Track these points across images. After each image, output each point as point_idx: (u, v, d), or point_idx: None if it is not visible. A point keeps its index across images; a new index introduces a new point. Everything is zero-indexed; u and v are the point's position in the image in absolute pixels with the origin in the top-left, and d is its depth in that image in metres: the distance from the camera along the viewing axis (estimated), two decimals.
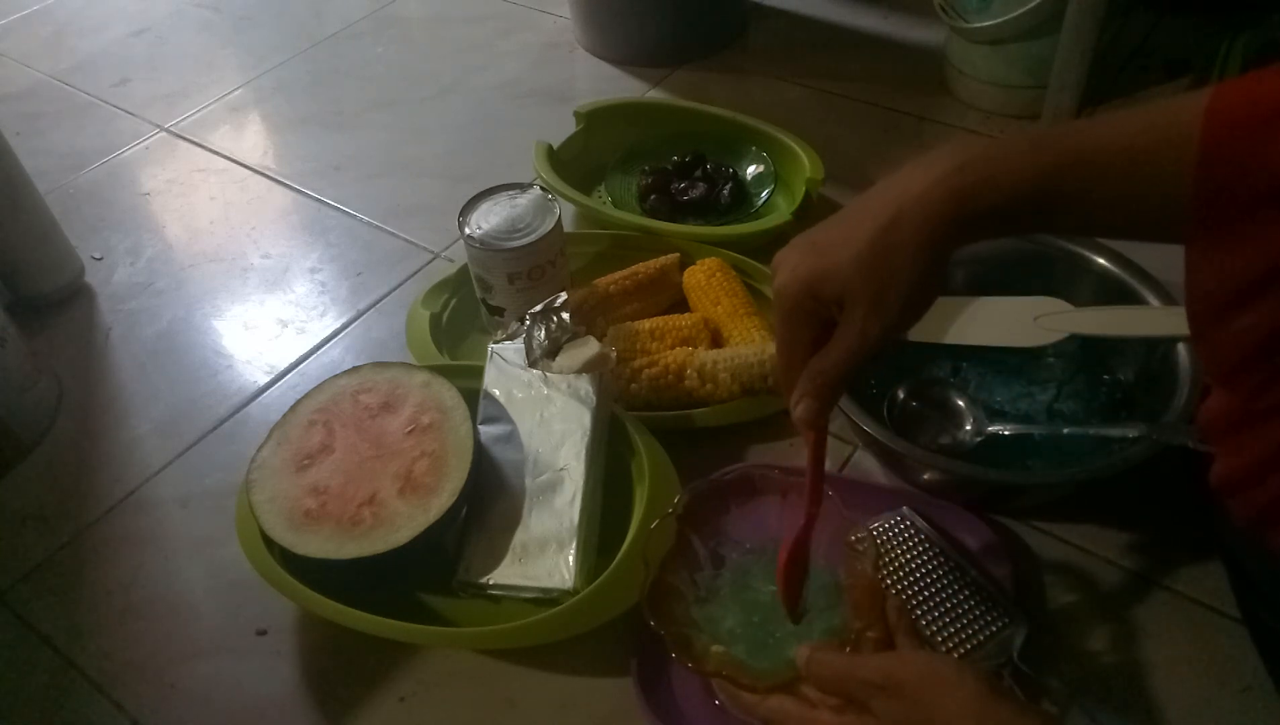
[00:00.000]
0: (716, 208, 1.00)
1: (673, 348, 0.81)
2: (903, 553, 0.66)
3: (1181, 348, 0.69)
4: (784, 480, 0.61)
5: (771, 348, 0.78)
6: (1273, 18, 1.03)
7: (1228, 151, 0.38)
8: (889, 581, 0.64)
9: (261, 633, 0.69)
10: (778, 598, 0.56)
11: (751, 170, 1.04)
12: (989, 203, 0.45)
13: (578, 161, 1.05)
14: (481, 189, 0.85)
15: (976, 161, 0.45)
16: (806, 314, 0.49)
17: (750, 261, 0.91)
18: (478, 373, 0.75)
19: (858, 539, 0.58)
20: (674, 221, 0.97)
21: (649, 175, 1.02)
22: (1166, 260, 0.92)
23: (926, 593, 0.64)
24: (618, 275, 0.88)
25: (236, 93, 1.32)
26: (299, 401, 0.73)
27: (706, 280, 0.87)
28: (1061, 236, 0.77)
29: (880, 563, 0.63)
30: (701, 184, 1.00)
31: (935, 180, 0.46)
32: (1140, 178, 0.41)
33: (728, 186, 1.00)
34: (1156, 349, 0.72)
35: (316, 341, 0.93)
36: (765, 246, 0.94)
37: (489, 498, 0.70)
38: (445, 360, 0.84)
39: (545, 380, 0.73)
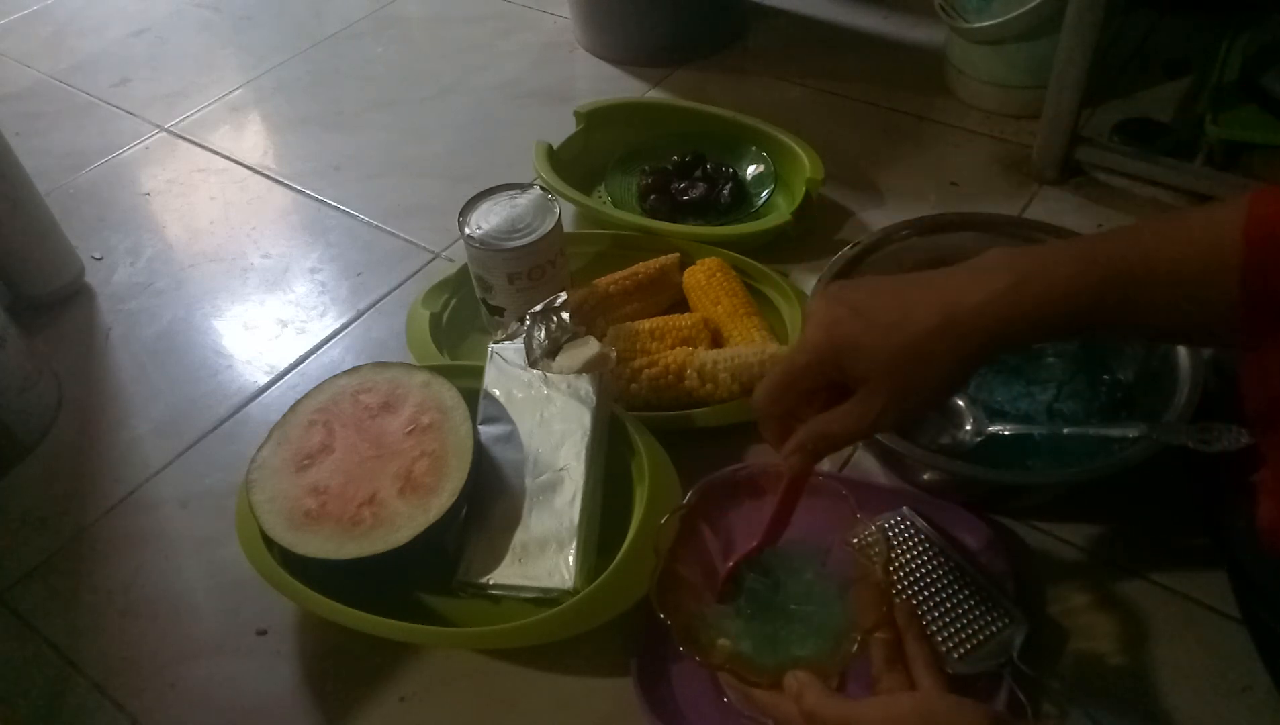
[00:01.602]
0: (716, 208, 1.00)
1: (673, 348, 0.81)
2: (903, 553, 0.66)
3: (1181, 348, 0.69)
4: None
5: (772, 347, 0.78)
6: (1273, 18, 1.03)
7: (1271, 262, 0.39)
8: (891, 580, 0.64)
9: (261, 633, 0.69)
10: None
11: (751, 170, 1.04)
12: (1037, 321, 0.45)
13: (578, 161, 1.05)
14: (481, 189, 0.85)
15: (1031, 280, 0.45)
16: (825, 371, 0.49)
17: (750, 261, 0.91)
18: (478, 373, 0.75)
19: (864, 539, 0.58)
20: (674, 221, 0.97)
21: (649, 175, 1.02)
22: None
23: (926, 593, 0.64)
24: (618, 275, 0.88)
25: (236, 93, 1.32)
26: (299, 401, 0.73)
27: (706, 280, 0.87)
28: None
29: (889, 564, 0.63)
30: (701, 184, 1.00)
31: (989, 297, 0.45)
32: (1186, 292, 0.42)
33: (728, 186, 1.00)
34: (1156, 349, 0.72)
35: (316, 341, 0.93)
36: (765, 246, 0.94)
37: (489, 498, 0.70)
38: (445, 360, 0.84)
39: (545, 380, 0.73)
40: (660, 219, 0.97)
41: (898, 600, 0.55)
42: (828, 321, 0.49)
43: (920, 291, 0.47)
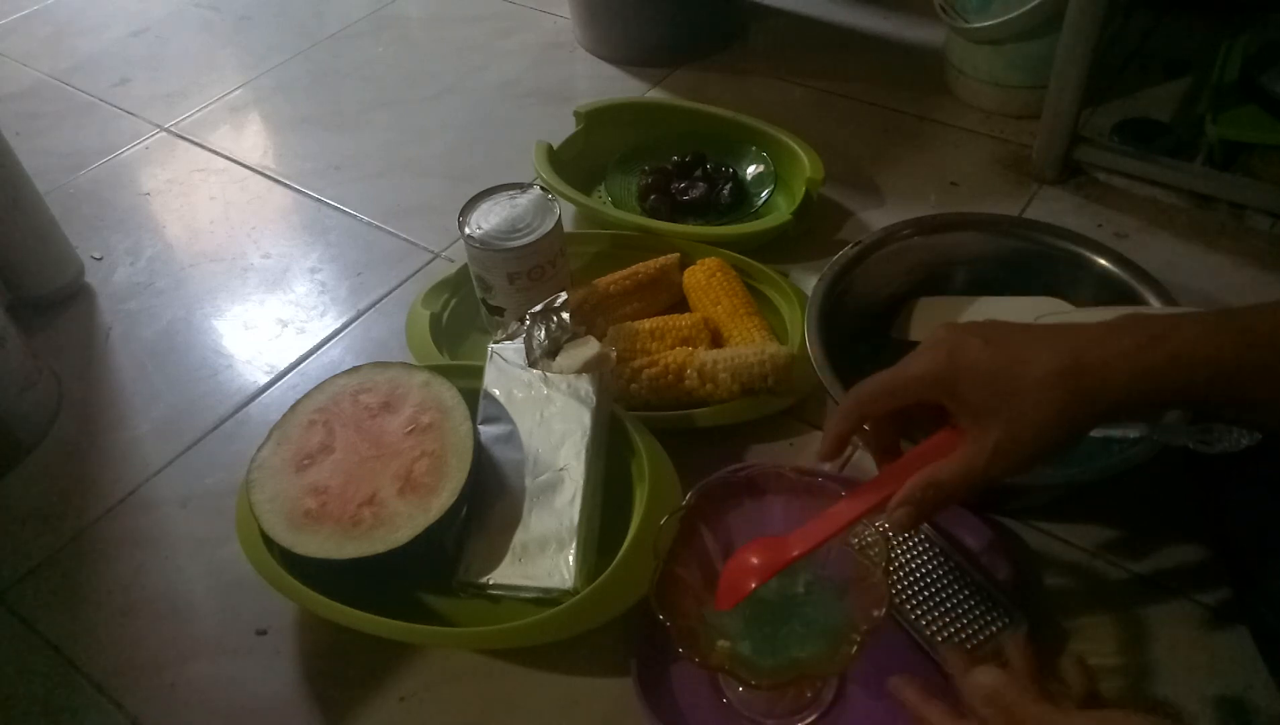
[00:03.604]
0: (716, 208, 1.00)
1: (673, 348, 0.81)
2: (903, 553, 0.66)
3: None
4: (796, 480, 0.61)
5: (772, 347, 0.78)
6: (1273, 18, 1.03)
7: None
8: (891, 581, 0.64)
9: (261, 633, 0.69)
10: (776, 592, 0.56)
11: (751, 170, 1.04)
12: (1168, 380, 0.43)
13: (578, 161, 1.05)
14: (481, 189, 0.85)
15: (1167, 339, 0.44)
16: (936, 391, 0.48)
17: (750, 261, 0.91)
18: (478, 373, 0.75)
19: (864, 539, 0.58)
20: (674, 221, 0.97)
21: (649, 175, 1.02)
22: (1167, 261, 0.93)
23: (926, 593, 0.64)
24: (618, 275, 0.88)
25: (236, 93, 1.32)
26: (299, 401, 0.73)
27: (706, 280, 0.87)
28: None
29: (889, 564, 0.63)
30: (701, 184, 1.00)
31: (1121, 351, 0.44)
32: None
33: (728, 186, 1.00)
34: None
35: (316, 341, 0.93)
36: (765, 246, 0.94)
37: (489, 498, 0.70)
38: (445, 360, 0.84)
39: (545, 380, 0.73)
40: (660, 219, 0.97)
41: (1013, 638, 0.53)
42: (953, 344, 0.48)
43: (1051, 335, 0.46)
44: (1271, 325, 0.42)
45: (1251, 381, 0.42)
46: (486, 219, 0.82)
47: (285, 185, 1.14)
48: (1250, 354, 0.42)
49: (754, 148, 1.05)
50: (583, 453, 0.69)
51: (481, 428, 0.72)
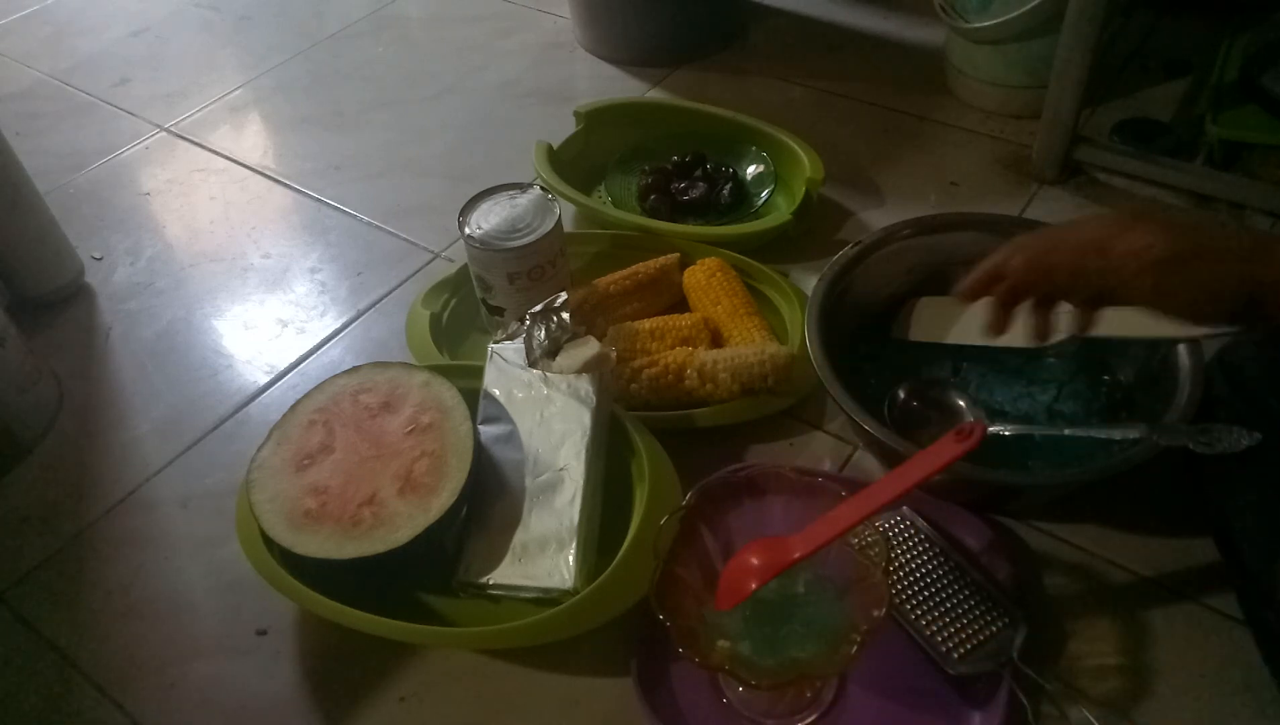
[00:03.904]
0: (716, 208, 1.00)
1: (673, 348, 0.81)
2: (903, 553, 0.66)
3: (1182, 349, 0.69)
4: (796, 480, 0.61)
5: (772, 347, 0.78)
6: (1273, 17, 1.03)
7: None
8: (890, 581, 0.64)
9: (261, 633, 0.69)
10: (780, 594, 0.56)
11: (751, 170, 1.04)
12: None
13: (578, 161, 1.05)
14: (481, 189, 0.85)
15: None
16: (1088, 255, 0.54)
17: (750, 261, 0.91)
18: (478, 373, 0.75)
19: (864, 539, 0.58)
20: (674, 221, 0.97)
21: (649, 175, 1.02)
22: None
23: (926, 593, 0.64)
24: (618, 275, 0.88)
25: (236, 93, 1.32)
26: (299, 401, 0.73)
27: (706, 280, 0.87)
28: None
29: (889, 564, 0.63)
30: (701, 184, 1.00)
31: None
32: None
33: (728, 186, 1.00)
34: (1157, 350, 0.72)
35: (316, 341, 0.93)
36: (765, 246, 0.94)
37: (489, 498, 0.70)
38: (445, 360, 0.84)
39: (545, 380, 0.73)
40: (660, 219, 0.97)
41: None
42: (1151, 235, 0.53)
43: (1221, 243, 0.52)
44: None
45: None
46: (486, 219, 0.82)
47: (285, 185, 1.14)
48: None
49: (754, 148, 1.05)
50: (583, 453, 0.69)
51: (481, 428, 0.72)
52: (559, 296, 0.75)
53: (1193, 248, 0.52)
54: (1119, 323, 0.75)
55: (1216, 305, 0.52)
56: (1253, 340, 0.65)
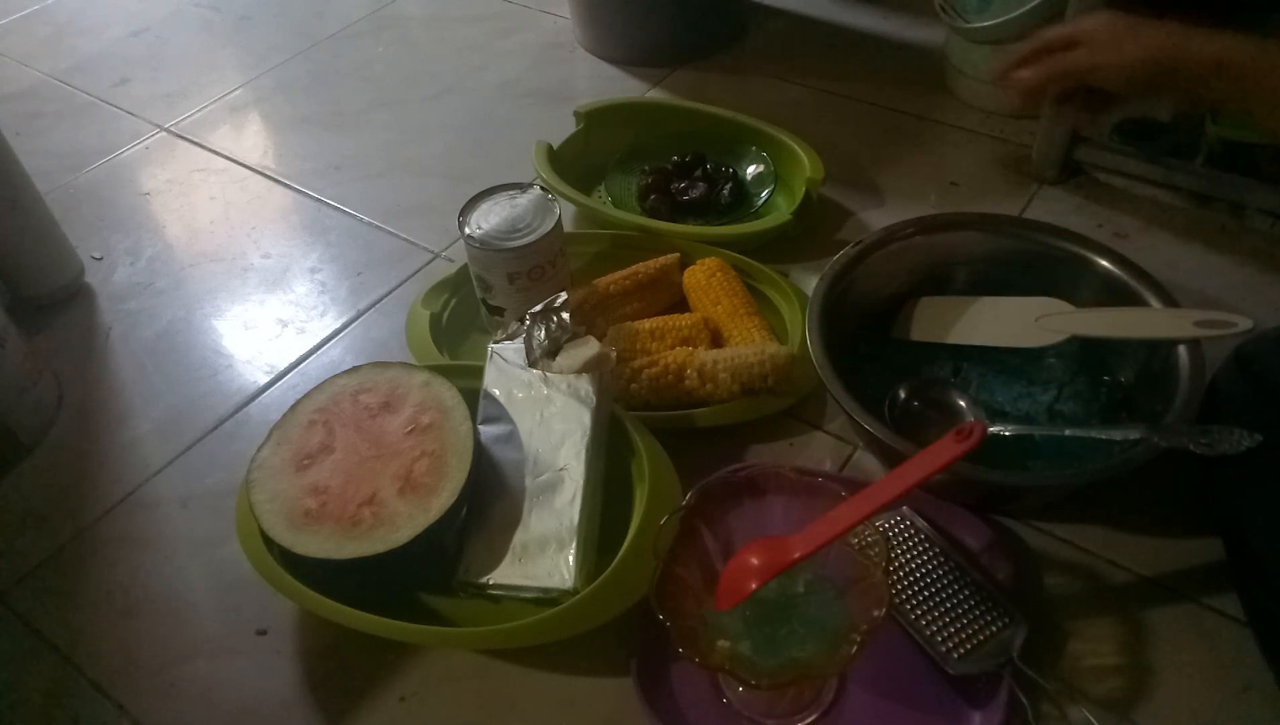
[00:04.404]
0: (716, 208, 1.00)
1: (673, 348, 0.81)
2: (903, 553, 0.66)
3: (1182, 349, 0.69)
4: (796, 480, 0.61)
5: (772, 347, 0.78)
6: (1273, 17, 1.03)
7: None
8: (890, 581, 0.64)
9: (261, 633, 0.69)
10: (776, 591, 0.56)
11: (751, 170, 1.04)
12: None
13: (578, 161, 1.05)
14: (481, 189, 0.85)
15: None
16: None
17: (750, 261, 0.91)
18: (478, 373, 0.75)
19: (864, 539, 0.58)
20: (674, 221, 0.97)
21: (649, 175, 1.02)
22: (1167, 261, 0.93)
23: (926, 593, 0.64)
24: (618, 275, 0.88)
25: (236, 93, 1.32)
26: (299, 401, 0.73)
27: (706, 280, 0.87)
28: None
29: (889, 564, 0.63)
30: (701, 184, 1.00)
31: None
32: None
33: (728, 186, 1.00)
34: (1157, 350, 0.72)
35: (316, 341, 0.93)
36: (765, 246, 0.94)
37: (489, 498, 0.70)
38: (445, 360, 0.84)
39: (545, 380, 0.73)
40: (660, 219, 0.97)
41: None
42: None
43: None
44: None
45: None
46: (486, 219, 0.82)
47: (285, 185, 1.14)
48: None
49: (754, 148, 1.05)
50: (583, 453, 0.69)
51: (481, 428, 0.72)
52: (559, 296, 0.75)
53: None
54: (1119, 323, 0.75)
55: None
56: (1269, 337, 0.65)
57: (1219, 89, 0.63)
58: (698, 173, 1.02)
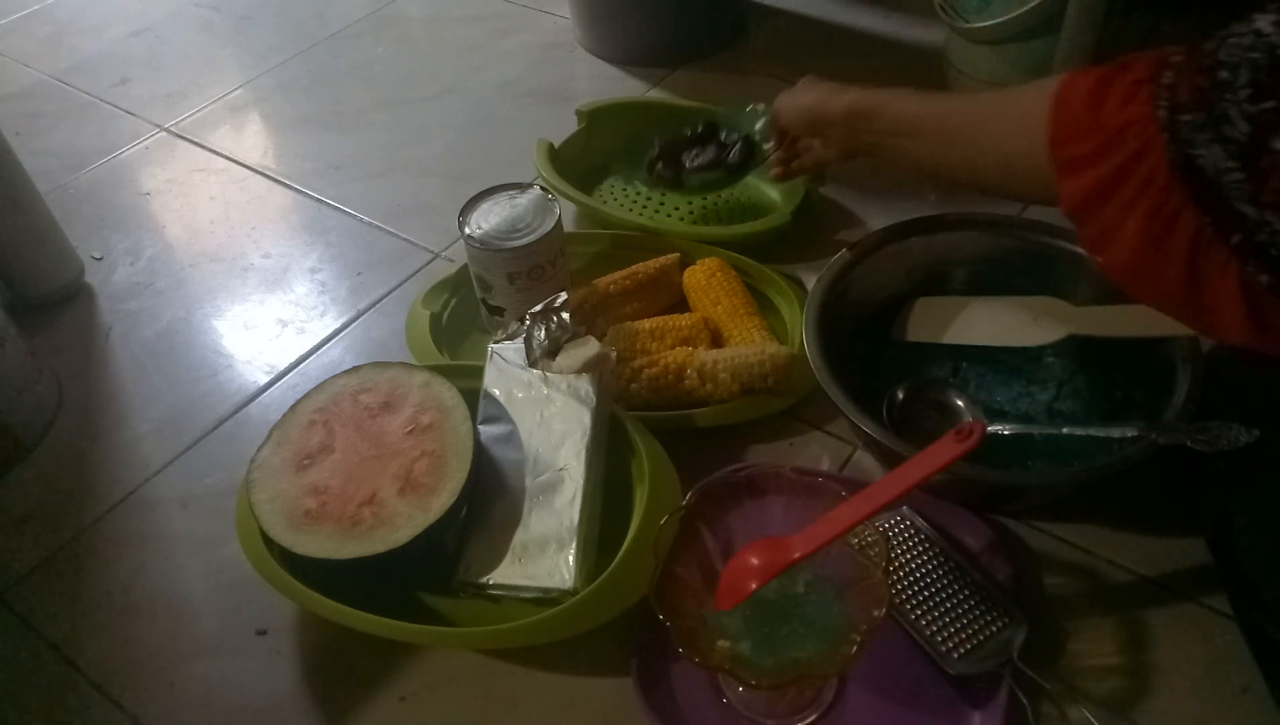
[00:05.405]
0: (726, 167, 0.94)
1: (673, 348, 0.81)
2: (903, 553, 0.66)
3: (1181, 349, 0.69)
4: (796, 480, 0.61)
5: (772, 347, 0.79)
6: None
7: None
8: (890, 581, 0.64)
9: (261, 633, 0.69)
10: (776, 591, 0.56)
11: (759, 126, 0.98)
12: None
13: (579, 161, 1.05)
14: (481, 189, 0.85)
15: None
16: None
17: (750, 261, 0.91)
18: (478, 373, 0.75)
19: (864, 539, 0.58)
20: (680, 185, 0.95)
21: (658, 146, 0.97)
22: None
23: (926, 593, 0.64)
24: (618, 275, 0.88)
25: (236, 93, 1.32)
26: (299, 401, 0.73)
27: (706, 280, 0.87)
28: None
29: (889, 564, 0.63)
30: (712, 148, 0.95)
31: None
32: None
33: (736, 147, 0.94)
34: (1155, 348, 0.72)
35: (316, 341, 0.93)
36: (765, 246, 0.94)
37: (489, 498, 0.70)
38: (445, 360, 0.84)
39: (545, 380, 0.73)
40: (666, 185, 0.96)
41: None
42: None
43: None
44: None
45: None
46: (486, 219, 0.82)
47: (285, 185, 1.14)
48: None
49: (760, 106, 0.99)
50: (583, 453, 0.69)
51: (481, 428, 0.72)
52: (559, 296, 0.75)
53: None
54: (1117, 321, 0.75)
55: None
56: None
57: (895, 145, 0.74)
58: (710, 143, 0.98)
